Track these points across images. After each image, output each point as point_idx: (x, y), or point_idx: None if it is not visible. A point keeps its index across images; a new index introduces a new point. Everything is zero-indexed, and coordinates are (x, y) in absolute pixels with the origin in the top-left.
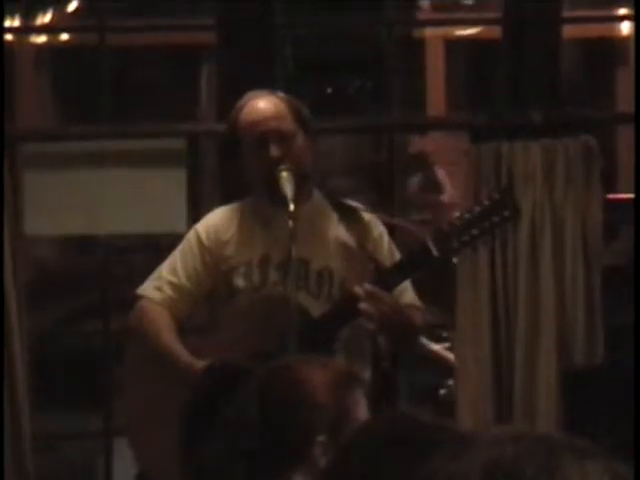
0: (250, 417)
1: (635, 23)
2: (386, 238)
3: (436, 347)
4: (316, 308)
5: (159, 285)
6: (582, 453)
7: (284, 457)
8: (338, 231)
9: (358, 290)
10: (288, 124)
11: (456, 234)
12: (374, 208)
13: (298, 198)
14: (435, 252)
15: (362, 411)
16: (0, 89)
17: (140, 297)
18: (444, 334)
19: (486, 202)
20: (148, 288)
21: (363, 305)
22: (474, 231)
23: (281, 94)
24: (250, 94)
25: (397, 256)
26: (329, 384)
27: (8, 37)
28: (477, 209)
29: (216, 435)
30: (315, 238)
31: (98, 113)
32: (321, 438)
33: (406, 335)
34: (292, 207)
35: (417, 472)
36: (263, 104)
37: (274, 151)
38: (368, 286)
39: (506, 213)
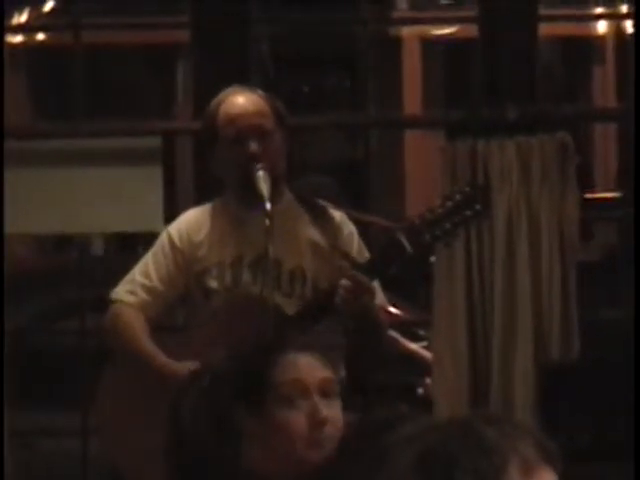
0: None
1: (635, 22)
2: (356, 237)
3: (413, 346)
4: (289, 307)
5: (132, 288)
6: (504, 426)
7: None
8: (309, 231)
9: (343, 284)
10: (267, 121)
11: (428, 228)
12: (348, 205)
13: (272, 197)
14: (408, 247)
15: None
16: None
17: (114, 301)
18: (421, 332)
19: (458, 196)
20: (121, 292)
21: (343, 292)
22: (446, 225)
23: (259, 91)
24: (230, 90)
25: (366, 255)
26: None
27: None
28: (449, 203)
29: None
30: (287, 238)
31: (74, 111)
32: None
33: (374, 333)
34: (269, 206)
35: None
36: (244, 100)
37: (253, 147)
38: (346, 281)
39: (478, 207)
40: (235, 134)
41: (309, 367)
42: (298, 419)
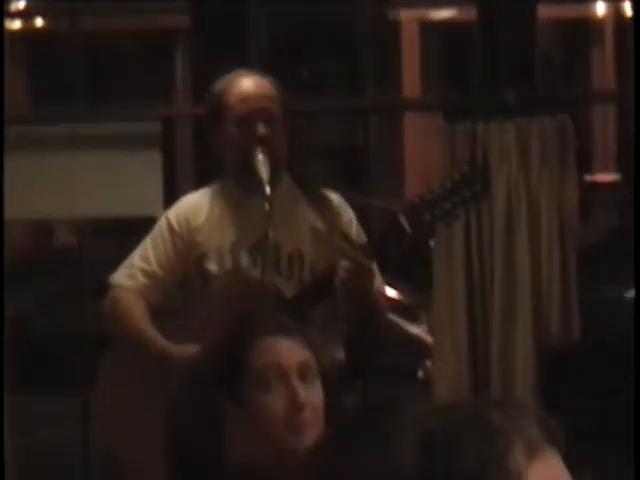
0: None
1: (634, 5)
2: (354, 221)
3: (413, 329)
4: (288, 290)
5: (131, 273)
6: (508, 409)
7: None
8: (308, 215)
9: (342, 263)
10: (276, 106)
11: (428, 208)
12: (348, 189)
13: (272, 182)
14: (407, 228)
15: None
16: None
17: (113, 285)
18: (420, 315)
19: (457, 176)
20: (120, 276)
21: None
22: (446, 205)
23: (266, 76)
24: (238, 72)
25: (364, 239)
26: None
27: None
28: (448, 184)
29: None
30: (286, 222)
31: (73, 97)
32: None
33: (373, 316)
34: (268, 190)
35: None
36: (254, 83)
37: (260, 130)
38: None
39: (477, 187)
40: (244, 115)
41: (287, 350)
42: (276, 403)
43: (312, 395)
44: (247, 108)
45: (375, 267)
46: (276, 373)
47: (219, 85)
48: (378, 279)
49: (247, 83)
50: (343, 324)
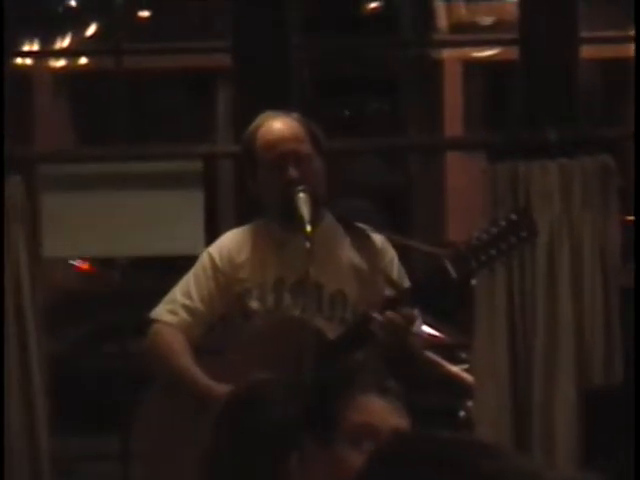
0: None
1: (635, 34)
2: (396, 262)
3: (454, 368)
4: (330, 331)
5: (173, 308)
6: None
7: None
8: (350, 254)
9: (376, 316)
10: (305, 146)
11: (474, 255)
12: (389, 229)
13: (313, 220)
14: (453, 274)
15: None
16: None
17: (154, 321)
18: (462, 355)
19: (503, 223)
20: (162, 312)
21: (375, 325)
22: (492, 252)
23: (295, 115)
24: (265, 115)
25: (406, 281)
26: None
27: (27, 61)
28: (494, 230)
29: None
30: (328, 261)
31: (115, 135)
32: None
33: (408, 359)
34: (309, 228)
35: None
36: (280, 125)
37: (292, 172)
38: (388, 313)
39: (523, 234)
40: (273, 160)
41: (384, 412)
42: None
43: None
44: (275, 153)
45: (416, 311)
46: (369, 434)
47: (249, 130)
48: (418, 321)
49: (273, 127)
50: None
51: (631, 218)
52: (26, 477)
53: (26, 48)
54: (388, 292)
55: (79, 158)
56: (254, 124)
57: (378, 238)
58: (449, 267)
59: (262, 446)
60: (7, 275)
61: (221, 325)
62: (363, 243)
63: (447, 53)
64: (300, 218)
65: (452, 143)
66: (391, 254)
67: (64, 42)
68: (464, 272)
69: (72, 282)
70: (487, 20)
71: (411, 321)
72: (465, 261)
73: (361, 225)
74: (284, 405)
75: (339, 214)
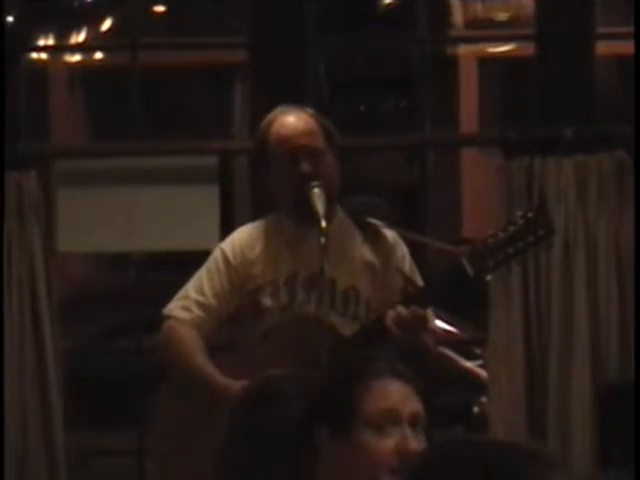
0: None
1: (635, 34)
2: (409, 258)
3: (469, 364)
4: (343, 327)
5: (186, 305)
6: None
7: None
8: (363, 250)
9: (390, 314)
10: (318, 141)
11: (491, 253)
12: (404, 226)
13: (327, 216)
14: (470, 271)
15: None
16: (0, 87)
17: (167, 317)
18: (477, 351)
19: (520, 221)
20: (175, 308)
21: (390, 323)
22: (509, 250)
23: (309, 110)
24: (279, 109)
25: (417, 277)
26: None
27: (42, 56)
28: (512, 228)
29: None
30: (341, 257)
31: (131, 131)
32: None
33: (421, 356)
34: (324, 224)
35: None
36: (293, 120)
37: (305, 167)
38: (402, 310)
39: (541, 232)
40: (286, 155)
41: (403, 396)
42: (387, 446)
43: (418, 445)
44: (288, 148)
45: (430, 310)
46: (391, 418)
47: (262, 125)
48: (431, 318)
49: (286, 122)
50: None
51: None
52: (42, 472)
53: (41, 43)
54: (402, 288)
55: (94, 153)
56: (267, 119)
57: (390, 234)
58: (466, 265)
59: (276, 442)
60: (23, 270)
61: (234, 322)
62: (375, 239)
63: (463, 49)
64: (315, 214)
65: (468, 139)
66: (403, 250)
67: (79, 37)
68: (481, 270)
69: (88, 278)
70: (503, 16)
71: (425, 320)
72: (482, 260)
73: (373, 221)
74: (298, 401)
75: (350, 210)
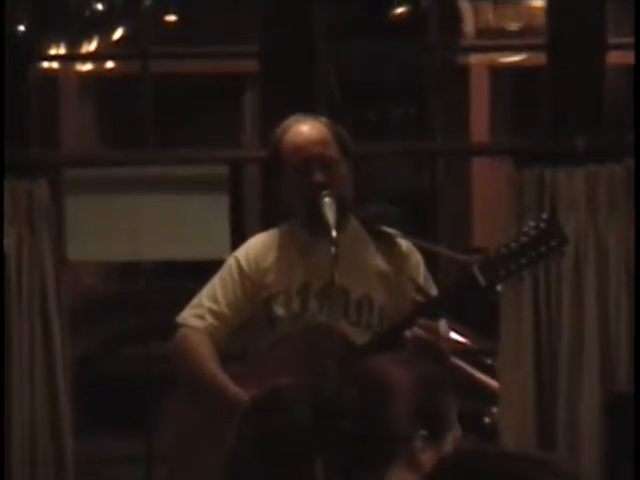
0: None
1: (634, 25)
2: (422, 266)
3: (479, 374)
4: (356, 336)
5: (200, 313)
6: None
7: (380, 453)
8: (376, 259)
9: (408, 334)
10: (332, 150)
11: (503, 263)
12: (415, 234)
13: (339, 225)
14: (482, 281)
15: (454, 417)
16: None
17: (181, 325)
18: (488, 361)
19: (533, 232)
20: (188, 316)
21: (409, 334)
22: (521, 260)
23: (323, 119)
24: (293, 118)
25: (432, 286)
26: (419, 382)
27: (54, 65)
28: (524, 238)
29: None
30: (354, 266)
31: (141, 139)
32: (422, 432)
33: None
34: (335, 233)
35: None
36: (307, 129)
37: (318, 177)
38: (419, 329)
39: (553, 243)
40: (300, 164)
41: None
42: None
43: None
44: (302, 157)
45: (444, 322)
46: None
47: (275, 134)
48: (444, 326)
49: (300, 131)
50: None
51: None
52: (51, 479)
53: (53, 52)
54: (415, 297)
55: (105, 162)
56: (281, 128)
57: (403, 243)
58: (478, 275)
59: (286, 451)
60: (33, 278)
61: (246, 330)
62: (389, 248)
63: (474, 58)
64: (325, 224)
65: (478, 149)
66: (416, 259)
67: (91, 46)
68: (493, 280)
69: (97, 285)
70: (514, 25)
71: (438, 334)
72: (494, 269)
73: (386, 229)
74: (309, 410)
75: (364, 219)
